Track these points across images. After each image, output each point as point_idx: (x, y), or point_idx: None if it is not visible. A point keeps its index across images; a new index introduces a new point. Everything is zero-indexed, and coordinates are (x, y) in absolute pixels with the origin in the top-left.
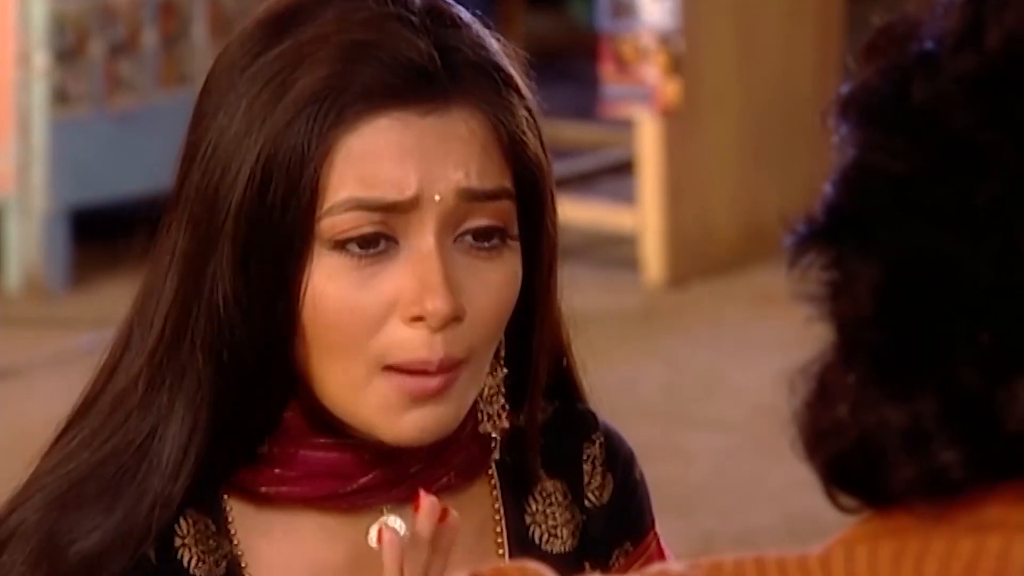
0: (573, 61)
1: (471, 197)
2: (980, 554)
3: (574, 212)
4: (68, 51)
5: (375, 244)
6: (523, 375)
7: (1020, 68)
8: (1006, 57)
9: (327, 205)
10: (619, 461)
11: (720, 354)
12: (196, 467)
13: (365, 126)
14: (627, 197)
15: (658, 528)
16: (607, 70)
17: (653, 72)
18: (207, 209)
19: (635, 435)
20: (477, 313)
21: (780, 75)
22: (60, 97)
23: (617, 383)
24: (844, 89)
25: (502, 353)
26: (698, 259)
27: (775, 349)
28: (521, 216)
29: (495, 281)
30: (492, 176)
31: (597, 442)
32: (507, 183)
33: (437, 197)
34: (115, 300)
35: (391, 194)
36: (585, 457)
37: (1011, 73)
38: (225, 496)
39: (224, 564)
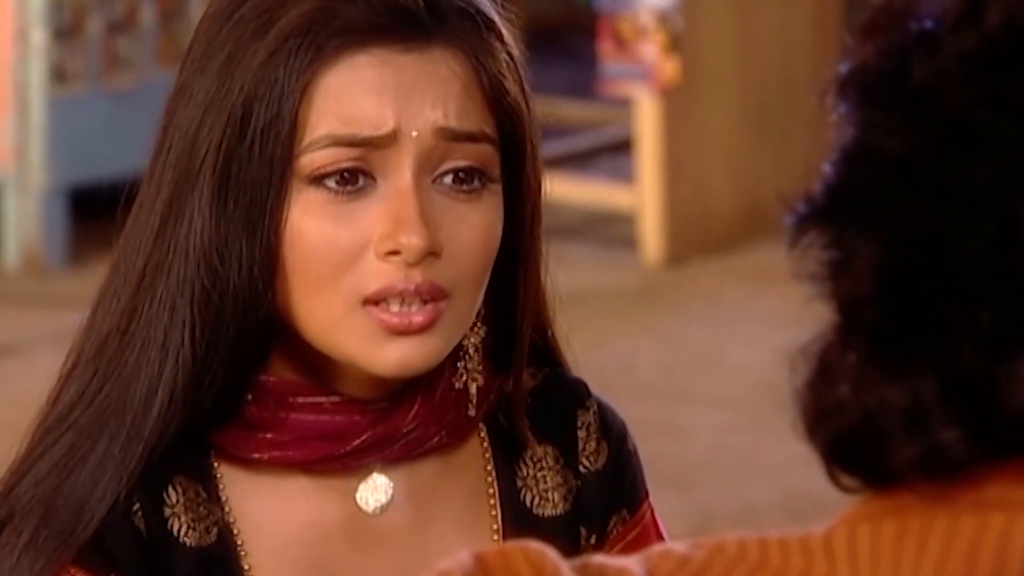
0: (572, 39)
1: (449, 136)
2: (982, 532)
3: (572, 190)
4: (66, 28)
5: (353, 181)
6: (507, 335)
7: (1020, 47)
8: (1006, 36)
9: (306, 141)
10: (613, 431)
11: (718, 332)
12: (174, 409)
13: (344, 62)
14: (625, 175)
15: (654, 504)
16: (606, 48)
17: (652, 50)
18: (188, 149)
19: (633, 412)
20: (457, 252)
21: (779, 53)
22: (58, 74)
23: (615, 361)
24: (842, 68)
25: (482, 312)
26: (696, 237)
27: (773, 326)
28: (504, 166)
29: (475, 222)
30: (472, 118)
31: (591, 409)
32: (487, 128)
33: (414, 134)
34: None
35: (367, 130)
36: (580, 424)
37: (1011, 52)
38: (215, 464)
39: (215, 531)
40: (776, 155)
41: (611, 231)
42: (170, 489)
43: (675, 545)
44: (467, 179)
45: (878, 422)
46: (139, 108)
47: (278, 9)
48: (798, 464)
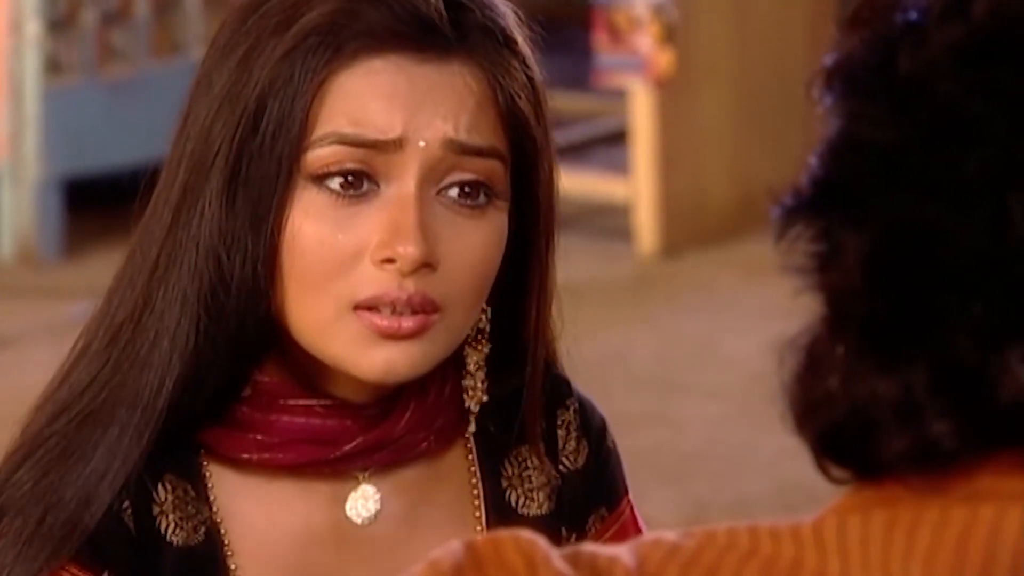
0: (566, 30)
1: (458, 149)
2: (973, 523)
3: (567, 182)
4: (60, 20)
5: (357, 185)
6: (508, 346)
7: (1007, 38)
8: (993, 27)
9: (312, 138)
10: (593, 428)
11: (712, 323)
12: (176, 400)
13: (360, 65)
14: (620, 167)
15: (648, 494)
16: (600, 40)
17: (646, 42)
18: (203, 140)
19: (627, 403)
20: (453, 267)
21: (774, 45)
22: (52, 66)
23: (609, 352)
24: (828, 60)
25: (487, 329)
26: (691, 229)
27: (768, 318)
28: (514, 186)
29: (475, 239)
30: (483, 133)
31: (571, 408)
32: (499, 144)
33: (422, 143)
34: (108, 269)
35: (373, 133)
36: (560, 423)
37: (998, 43)
38: (204, 463)
39: (203, 530)
40: (771, 147)
41: (606, 222)
42: (160, 487)
43: (665, 533)
44: (472, 193)
45: (868, 414)
46: (134, 99)
47: (302, 6)
48: (792, 456)
